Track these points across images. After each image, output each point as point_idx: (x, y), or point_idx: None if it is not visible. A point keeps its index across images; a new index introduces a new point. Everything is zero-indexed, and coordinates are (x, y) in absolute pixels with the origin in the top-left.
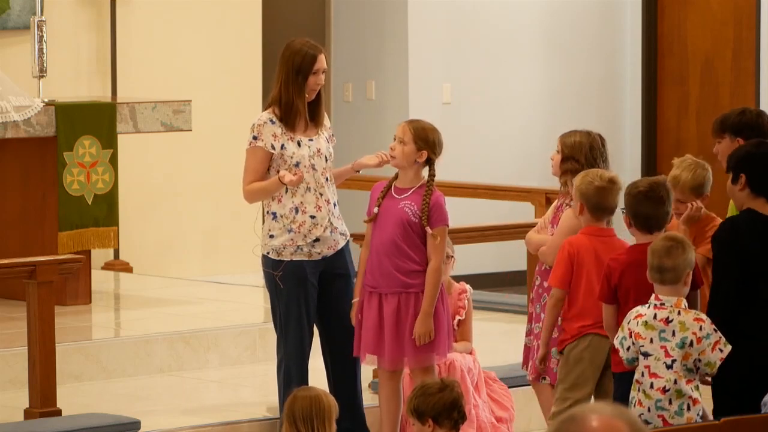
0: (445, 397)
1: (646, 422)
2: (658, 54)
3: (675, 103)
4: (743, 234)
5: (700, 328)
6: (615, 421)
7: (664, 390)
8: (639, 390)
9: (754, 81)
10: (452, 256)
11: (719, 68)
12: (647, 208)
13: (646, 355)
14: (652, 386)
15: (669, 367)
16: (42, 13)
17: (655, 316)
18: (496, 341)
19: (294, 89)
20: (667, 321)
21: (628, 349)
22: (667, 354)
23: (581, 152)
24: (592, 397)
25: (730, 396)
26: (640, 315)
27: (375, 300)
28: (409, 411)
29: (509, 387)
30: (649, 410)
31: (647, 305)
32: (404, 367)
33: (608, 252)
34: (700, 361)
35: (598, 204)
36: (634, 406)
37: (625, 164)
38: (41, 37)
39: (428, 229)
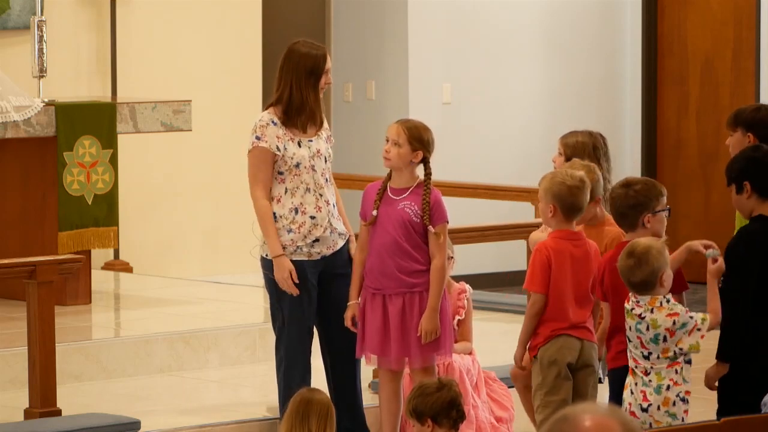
0: (443, 397)
1: (631, 392)
2: (658, 54)
3: (675, 103)
4: (757, 241)
5: (674, 323)
6: (607, 420)
7: (646, 372)
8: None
9: (754, 81)
10: (452, 257)
11: (719, 68)
12: (611, 207)
13: (629, 339)
14: (636, 368)
15: (646, 357)
16: (42, 13)
17: (632, 309)
18: (496, 341)
19: (307, 91)
20: (641, 317)
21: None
22: (642, 345)
23: (584, 153)
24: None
25: (737, 397)
26: (627, 300)
27: (378, 301)
28: (407, 412)
29: (509, 387)
30: (636, 384)
31: (631, 299)
32: (405, 367)
33: (583, 255)
34: (681, 349)
35: (572, 204)
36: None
37: (625, 164)
38: (41, 37)
39: (431, 228)
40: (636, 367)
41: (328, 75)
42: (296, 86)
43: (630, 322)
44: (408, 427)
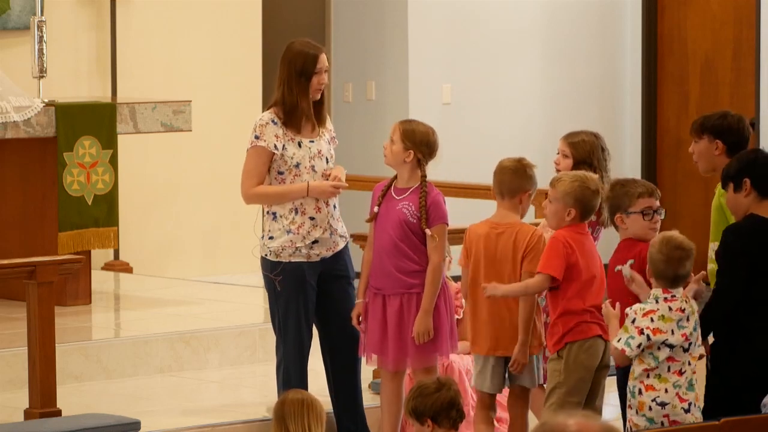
0: (442, 397)
1: (663, 404)
2: (658, 54)
3: (675, 103)
4: (748, 238)
5: (696, 304)
6: (589, 422)
7: (680, 372)
8: (650, 376)
9: (754, 81)
10: (449, 257)
11: (719, 68)
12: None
13: (671, 346)
14: (669, 369)
15: (686, 350)
16: (42, 13)
17: (669, 309)
18: None
19: (298, 90)
20: (682, 310)
21: (639, 345)
22: (686, 339)
23: (594, 156)
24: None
25: (729, 395)
26: (652, 311)
27: (379, 301)
28: (407, 413)
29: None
30: (666, 391)
31: (653, 301)
32: (407, 368)
33: (593, 250)
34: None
35: (592, 208)
36: (641, 392)
37: (625, 164)
38: (41, 37)
39: (427, 231)
40: (670, 366)
41: (321, 75)
42: (287, 86)
43: (669, 325)
44: (408, 428)
